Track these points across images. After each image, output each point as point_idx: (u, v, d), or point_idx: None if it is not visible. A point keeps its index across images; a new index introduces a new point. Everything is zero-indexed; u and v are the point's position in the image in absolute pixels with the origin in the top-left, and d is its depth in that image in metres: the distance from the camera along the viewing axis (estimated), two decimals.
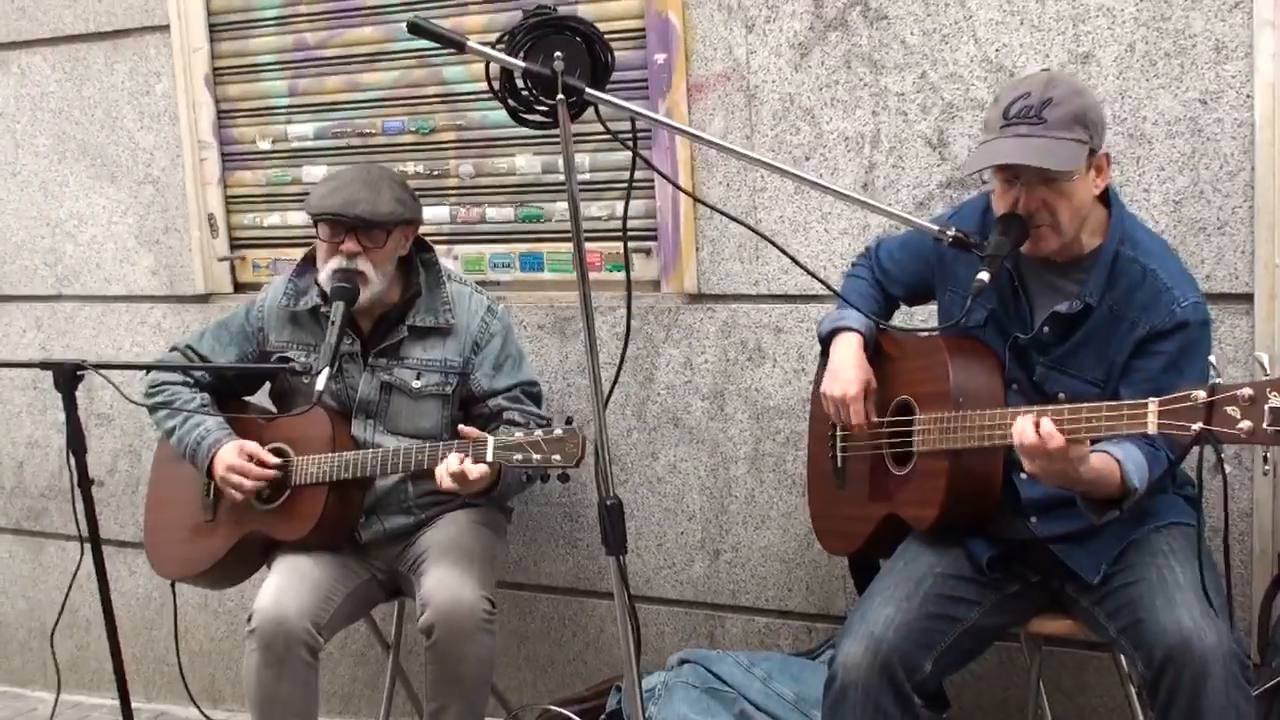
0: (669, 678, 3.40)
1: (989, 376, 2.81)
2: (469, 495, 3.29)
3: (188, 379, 3.53)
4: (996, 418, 2.63)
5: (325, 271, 3.36)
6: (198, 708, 3.93)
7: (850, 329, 3.01)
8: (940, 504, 2.78)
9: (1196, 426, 2.27)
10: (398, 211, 3.36)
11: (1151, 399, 2.34)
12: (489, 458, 3.08)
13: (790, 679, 3.34)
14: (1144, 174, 3.16)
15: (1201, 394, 2.27)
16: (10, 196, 4.63)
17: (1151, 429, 2.35)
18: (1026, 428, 2.47)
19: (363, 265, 3.33)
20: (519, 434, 3.07)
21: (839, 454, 3.13)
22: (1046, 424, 2.45)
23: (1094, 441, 2.51)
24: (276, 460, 3.38)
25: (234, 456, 3.37)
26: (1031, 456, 2.48)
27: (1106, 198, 2.76)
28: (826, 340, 3.06)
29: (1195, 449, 2.45)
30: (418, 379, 3.44)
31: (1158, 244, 2.79)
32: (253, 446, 3.40)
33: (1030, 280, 2.80)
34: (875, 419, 2.95)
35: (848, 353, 2.98)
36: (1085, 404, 2.48)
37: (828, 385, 2.98)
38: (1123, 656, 2.86)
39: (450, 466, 3.12)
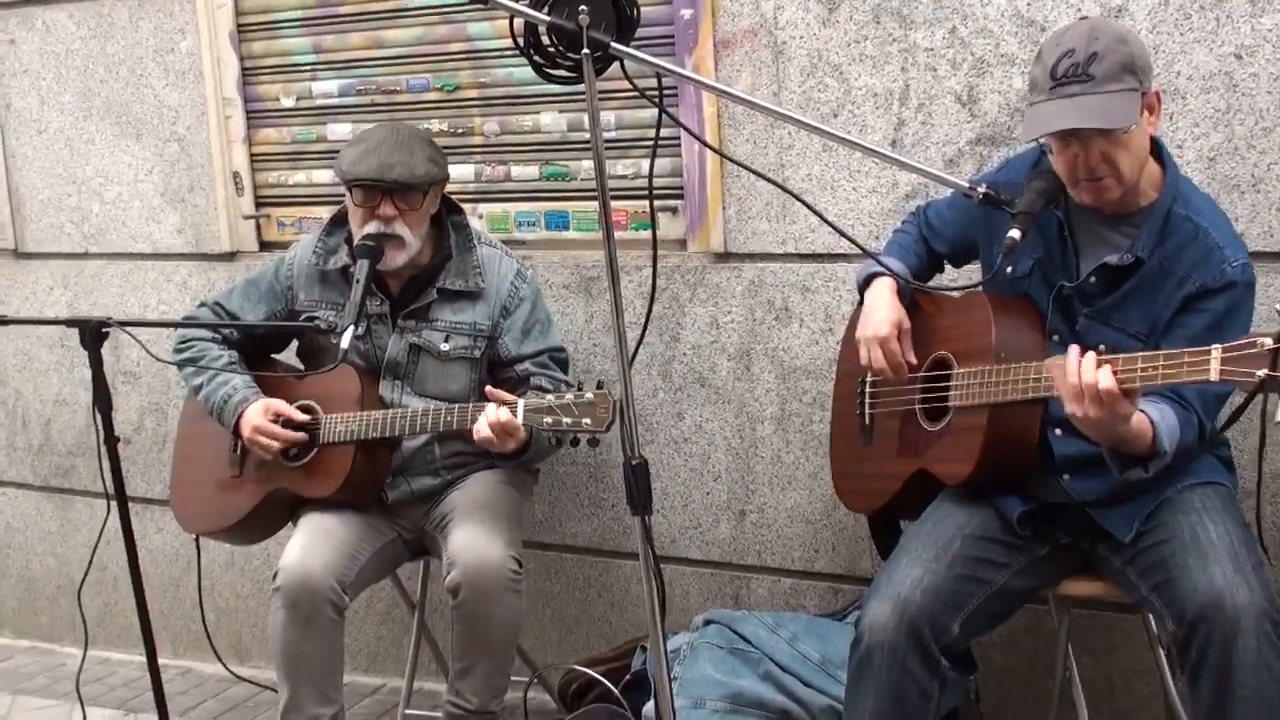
0: (694, 638, 3.40)
1: (1031, 331, 2.80)
2: (499, 458, 3.28)
3: (216, 335, 3.53)
4: (1039, 369, 2.62)
5: (360, 235, 3.35)
6: (223, 664, 3.96)
7: (883, 274, 3.01)
8: (976, 459, 2.76)
9: (1261, 373, 2.22)
10: (432, 172, 3.35)
11: (1215, 345, 2.29)
12: (519, 420, 3.08)
13: (816, 640, 3.33)
14: (1177, 130, 3.12)
15: (1268, 340, 2.22)
16: (36, 154, 4.63)
17: (1214, 376, 2.29)
18: (1086, 364, 2.42)
19: (399, 229, 3.32)
20: (549, 397, 3.07)
21: (867, 410, 3.12)
22: (1094, 363, 2.41)
23: (1148, 392, 2.47)
24: (305, 417, 3.38)
25: (260, 417, 3.37)
26: (1079, 398, 2.43)
27: (1160, 155, 2.74)
28: (863, 289, 3.06)
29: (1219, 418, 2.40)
30: (446, 341, 3.43)
31: (1209, 205, 2.79)
32: (280, 405, 3.40)
33: (1079, 230, 2.79)
34: (912, 361, 2.94)
35: (880, 296, 2.98)
36: (1142, 352, 2.44)
37: (861, 329, 2.98)
38: (1153, 616, 2.84)
39: (491, 415, 3.11)
